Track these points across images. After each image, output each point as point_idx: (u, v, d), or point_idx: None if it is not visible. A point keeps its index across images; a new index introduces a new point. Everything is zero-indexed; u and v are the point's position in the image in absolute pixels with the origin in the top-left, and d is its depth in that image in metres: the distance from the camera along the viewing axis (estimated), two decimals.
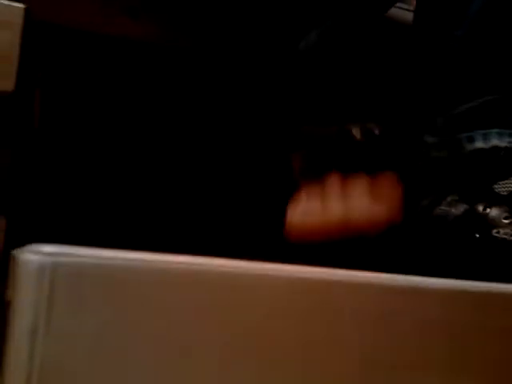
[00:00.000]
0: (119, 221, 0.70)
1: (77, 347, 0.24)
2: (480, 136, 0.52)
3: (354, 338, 0.30)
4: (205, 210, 0.72)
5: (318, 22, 0.57)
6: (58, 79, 0.69)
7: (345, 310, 0.30)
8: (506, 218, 0.48)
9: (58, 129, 0.69)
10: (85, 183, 0.70)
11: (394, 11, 0.72)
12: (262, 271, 0.29)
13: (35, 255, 0.25)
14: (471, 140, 0.53)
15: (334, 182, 0.52)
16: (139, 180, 0.73)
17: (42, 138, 0.65)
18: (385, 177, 0.51)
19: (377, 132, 0.54)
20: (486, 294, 0.34)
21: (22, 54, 0.43)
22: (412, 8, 0.73)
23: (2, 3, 0.42)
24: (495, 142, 0.52)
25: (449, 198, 0.52)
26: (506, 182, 0.51)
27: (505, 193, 0.50)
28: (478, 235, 0.49)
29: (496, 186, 0.51)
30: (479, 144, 0.52)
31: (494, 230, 0.48)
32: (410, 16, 0.75)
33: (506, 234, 0.48)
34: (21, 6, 0.43)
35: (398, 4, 0.72)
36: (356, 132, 0.54)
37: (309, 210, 0.50)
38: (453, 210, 0.51)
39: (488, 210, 0.49)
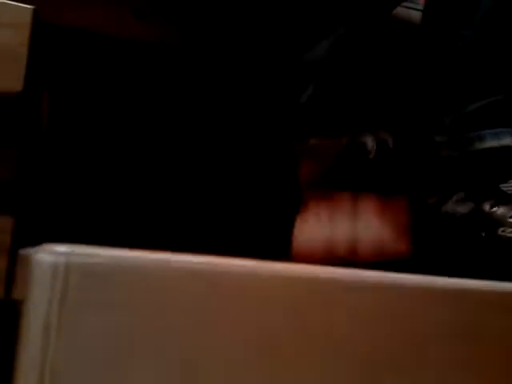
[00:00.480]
0: (125, 221, 0.71)
1: (89, 345, 0.25)
2: (490, 135, 0.52)
3: (359, 338, 0.30)
4: (210, 221, 0.72)
5: (323, 29, 0.56)
6: (65, 80, 0.69)
7: (351, 310, 0.30)
8: None
9: (65, 129, 0.69)
10: (91, 183, 0.70)
11: (400, 10, 0.71)
12: (270, 271, 0.29)
13: (49, 255, 0.25)
14: (482, 139, 0.52)
15: (343, 206, 0.51)
16: (147, 181, 0.73)
17: (49, 138, 0.65)
18: (396, 203, 0.49)
19: (390, 144, 0.53)
20: (492, 293, 0.34)
21: (30, 55, 0.43)
22: (418, 7, 0.73)
23: (11, 4, 0.42)
24: (506, 141, 0.51)
25: (455, 197, 0.52)
26: None
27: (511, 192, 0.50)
28: (483, 234, 0.49)
29: (503, 185, 0.51)
30: (490, 143, 0.52)
31: (500, 229, 0.48)
32: (416, 15, 0.75)
33: (511, 232, 0.48)
34: (29, 7, 0.43)
35: (404, 3, 0.71)
36: (370, 144, 0.53)
37: (315, 236, 0.49)
38: (459, 209, 0.51)
39: (494, 209, 0.49)
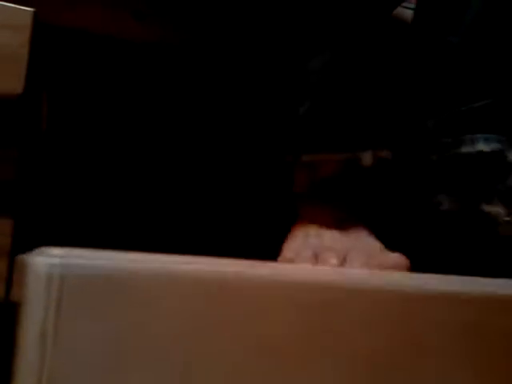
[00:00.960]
0: (124, 223, 0.71)
1: (86, 351, 0.24)
2: (481, 139, 0.52)
3: (360, 341, 0.30)
4: (201, 228, 0.72)
5: (322, 39, 0.55)
6: (65, 81, 0.69)
7: (354, 313, 0.30)
8: (508, 215, 0.49)
9: (65, 130, 0.69)
10: (91, 185, 0.70)
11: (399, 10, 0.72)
12: (270, 274, 0.29)
13: (44, 260, 0.25)
14: (473, 142, 0.53)
15: (334, 222, 0.50)
16: (146, 182, 0.73)
17: (49, 140, 0.65)
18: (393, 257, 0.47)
19: (388, 159, 0.53)
20: (492, 293, 0.34)
21: (30, 57, 0.43)
22: (412, 6, 0.73)
23: (11, 7, 0.42)
24: (481, 146, 0.52)
25: (450, 197, 0.52)
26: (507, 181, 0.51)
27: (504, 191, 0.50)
28: (479, 233, 0.49)
29: (499, 186, 0.51)
30: (481, 147, 0.52)
31: (496, 227, 0.48)
32: (408, 13, 0.75)
33: (506, 230, 0.49)
34: (29, 9, 0.43)
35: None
36: (367, 161, 0.52)
37: (303, 254, 0.47)
38: (453, 208, 0.51)
39: (490, 208, 0.49)
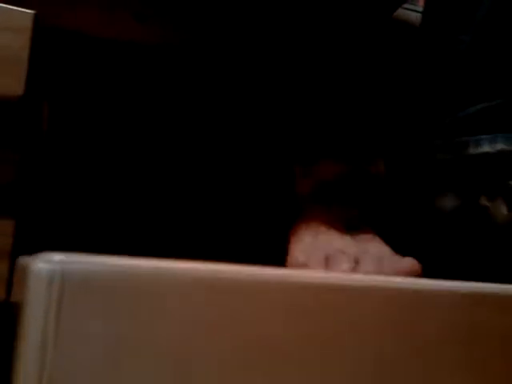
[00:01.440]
0: (125, 225, 0.71)
1: (87, 354, 0.24)
2: (486, 140, 0.52)
3: (366, 343, 0.30)
4: (206, 231, 0.72)
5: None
6: (66, 83, 0.69)
7: (354, 315, 0.30)
8: (509, 211, 0.49)
9: (66, 133, 0.69)
10: (91, 187, 0.70)
11: (400, 12, 0.72)
12: (272, 277, 0.29)
13: (45, 264, 0.25)
14: (478, 143, 0.52)
15: (341, 223, 0.48)
16: (151, 185, 0.73)
17: (50, 142, 0.65)
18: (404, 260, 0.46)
19: (383, 169, 0.52)
20: (494, 294, 0.34)
21: (31, 59, 0.43)
22: (418, 8, 0.73)
23: (11, 9, 0.42)
24: (501, 146, 0.51)
25: (451, 194, 0.52)
26: None
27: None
28: (479, 228, 0.49)
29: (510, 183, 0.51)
30: (486, 148, 0.52)
31: (496, 223, 0.48)
32: (414, 16, 0.75)
33: (505, 225, 0.48)
34: (30, 11, 0.43)
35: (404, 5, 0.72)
36: (374, 171, 0.51)
37: (312, 254, 0.46)
38: (454, 204, 0.51)
39: (490, 203, 0.49)
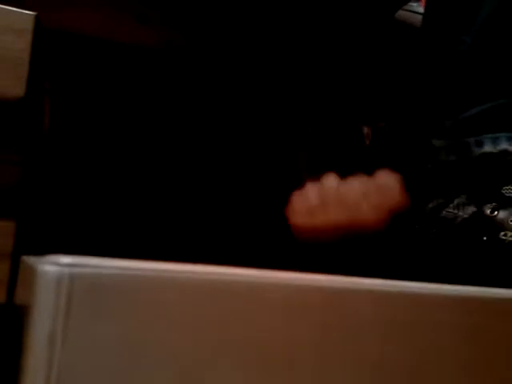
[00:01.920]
0: (128, 226, 0.71)
1: (94, 356, 0.25)
2: (489, 140, 0.52)
3: (365, 346, 0.30)
4: (209, 209, 0.72)
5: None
6: (68, 85, 0.69)
7: (355, 316, 0.30)
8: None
9: (68, 134, 0.69)
10: (93, 188, 0.70)
11: (403, 13, 0.72)
12: (277, 280, 0.29)
13: (53, 267, 0.25)
14: (480, 144, 0.52)
15: (332, 181, 0.50)
16: (150, 184, 0.73)
17: (51, 143, 0.65)
18: (382, 172, 0.49)
19: (386, 130, 0.53)
20: (495, 299, 0.34)
21: (32, 60, 0.43)
22: (420, 10, 0.73)
23: (13, 10, 0.42)
24: (504, 146, 0.51)
25: (456, 201, 0.51)
26: None
27: None
28: (485, 238, 0.48)
29: (504, 189, 0.50)
30: (488, 148, 0.52)
31: (502, 233, 0.48)
32: (418, 18, 0.75)
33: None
34: (31, 13, 0.43)
35: (406, 7, 0.72)
36: (365, 131, 0.52)
37: (309, 211, 0.49)
38: (460, 213, 0.51)
39: (496, 213, 0.49)
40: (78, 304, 0.25)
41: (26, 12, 0.43)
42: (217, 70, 0.77)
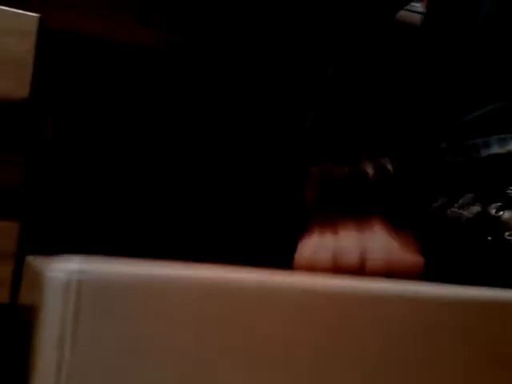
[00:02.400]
0: (131, 226, 0.71)
1: (104, 355, 0.25)
2: (496, 141, 0.52)
3: (365, 348, 0.30)
4: (211, 209, 0.72)
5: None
6: (70, 86, 0.69)
7: (359, 320, 0.30)
8: None
9: (71, 135, 0.69)
10: (96, 190, 0.70)
11: (403, 13, 0.72)
12: (278, 281, 0.29)
13: (61, 270, 0.25)
14: (487, 145, 0.52)
15: (348, 224, 0.48)
16: (154, 186, 0.73)
17: (55, 145, 0.65)
18: (402, 232, 0.47)
19: (390, 168, 0.52)
20: (499, 302, 0.34)
21: (36, 62, 0.44)
22: (419, 10, 0.73)
23: (17, 12, 0.42)
24: (511, 146, 0.51)
25: (461, 201, 0.51)
26: None
27: None
28: (490, 238, 0.48)
29: (510, 190, 0.50)
30: (495, 149, 0.52)
31: (507, 233, 0.48)
32: (416, 18, 0.75)
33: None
34: (35, 15, 0.43)
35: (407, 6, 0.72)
36: (370, 172, 0.51)
37: (320, 250, 0.46)
38: (465, 213, 0.51)
39: (501, 213, 0.49)
40: (87, 308, 0.25)
41: (30, 14, 0.43)
42: (217, 70, 0.77)
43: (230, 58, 0.77)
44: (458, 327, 0.32)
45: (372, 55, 0.55)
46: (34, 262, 0.31)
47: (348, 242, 0.47)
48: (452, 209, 0.52)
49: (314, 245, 0.48)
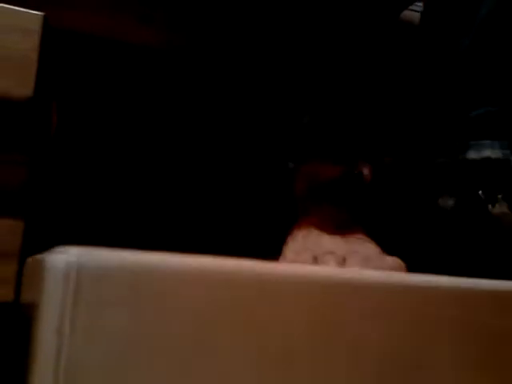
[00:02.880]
0: (134, 224, 0.71)
1: (102, 347, 0.25)
2: (488, 145, 0.52)
3: (370, 339, 0.30)
4: (210, 204, 0.72)
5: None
6: (73, 85, 0.69)
7: (360, 311, 0.30)
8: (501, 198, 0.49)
9: (74, 134, 0.69)
10: (99, 187, 0.70)
11: (403, 13, 0.72)
12: (277, 272, 0.29)
13: (61, 256, 0.25)
14: (479, 148, 0.53)
15: (333, 224, 0.50)
16: (154, 185, 0.73)
17: (59, 144, 0.65)
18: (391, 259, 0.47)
19: (386, 170, 0.53)
20: (501, 292, 0.34)
21: (40, 61, 0.44)
22: (419, 9, 0.73)
23: (21, 10, 0.42)
24: (486, 153, 0.52)
25: (449, 199, 0.52)
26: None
27: None
28: (475, 215, 0.49)
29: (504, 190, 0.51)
30: (487, 153, 0.52)
31: (490, 206, 0.49)
32: (416, 16, 0.75)
33: (501, 207, 0.49)
34: (39, 13, 0.43)
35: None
36: (365, 172, 0.52)
37: (303, 250, 0.48)
38: (448, 203, 0.52)
39: (494, 210, 0.50)
40: (86, 297, 0.25)
41: (34, 12, 0.43)
42: (218, 69, 0.77)
43: (231, 58, 0.77)
44: (457, 320, 0.32)
45: (372, 55, 0.55)
46: (34, 258, 0.31)
47: (330, 246, 0.48)
48: (442, 201, 0.52)
49: (297, 249, 0.49)
